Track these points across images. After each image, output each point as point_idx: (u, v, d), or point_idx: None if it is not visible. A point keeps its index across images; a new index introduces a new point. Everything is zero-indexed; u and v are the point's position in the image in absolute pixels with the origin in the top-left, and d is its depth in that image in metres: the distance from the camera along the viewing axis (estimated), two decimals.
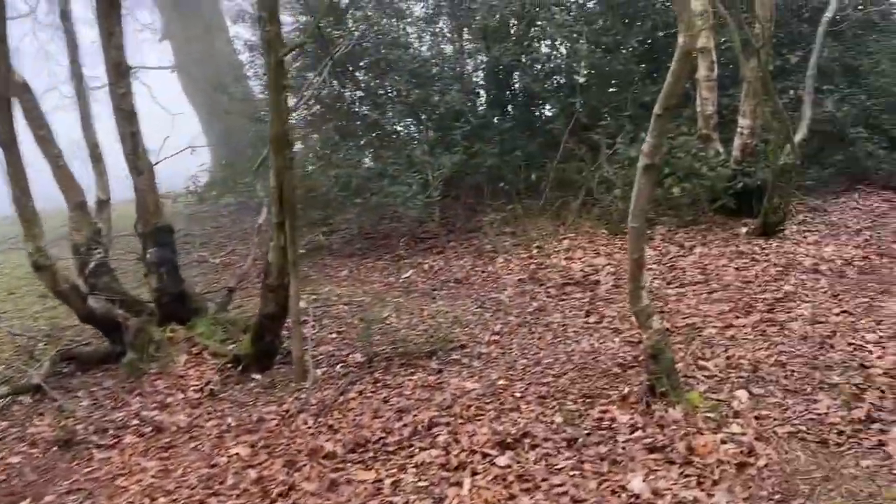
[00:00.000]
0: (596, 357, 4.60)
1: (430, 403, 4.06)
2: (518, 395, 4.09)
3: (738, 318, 5.05)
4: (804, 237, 6.85)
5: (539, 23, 8.54)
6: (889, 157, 8.73)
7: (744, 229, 7.19)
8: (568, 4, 8.58)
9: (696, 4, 7.46)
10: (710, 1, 6.90)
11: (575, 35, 8.17)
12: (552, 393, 4.03)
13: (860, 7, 10.09)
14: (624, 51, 9.41)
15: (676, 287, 5.99)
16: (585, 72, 7.84)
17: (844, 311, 4.85)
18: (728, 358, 4.25)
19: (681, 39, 3.44)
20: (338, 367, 4.95)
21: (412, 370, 4.76)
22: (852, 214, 7.57)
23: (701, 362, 4.19)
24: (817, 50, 7.24)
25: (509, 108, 10.28)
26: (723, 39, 8.29)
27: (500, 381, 4.34)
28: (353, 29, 9.58)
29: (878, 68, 8.61)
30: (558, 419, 3.63)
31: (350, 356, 5.09)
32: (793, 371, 3.94)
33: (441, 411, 3.92)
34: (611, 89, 9.34)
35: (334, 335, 5.70)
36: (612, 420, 3.55)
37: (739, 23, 6.10)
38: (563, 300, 6.10)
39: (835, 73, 9.29)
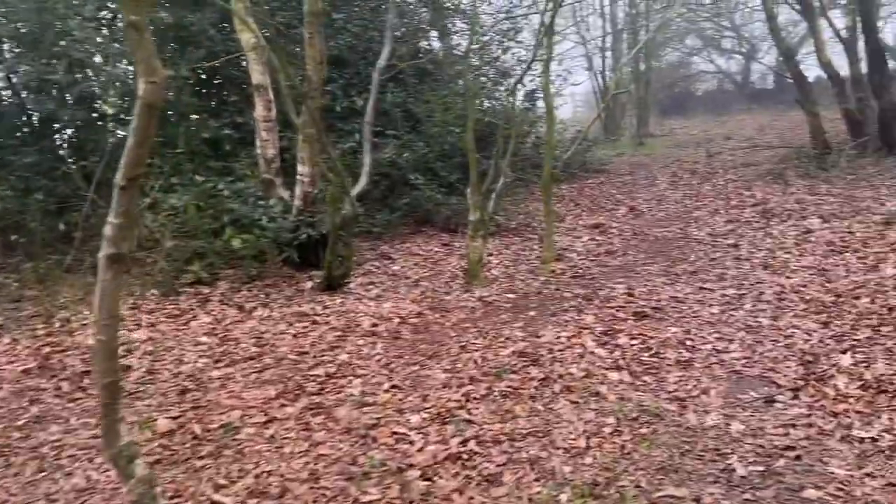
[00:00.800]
0: (87, 501, 3.38)
1: None
2: None
3: (284, 405, 4.35)
4: (368, 291, 6.61)
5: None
6: (446, 201, 9.30)
7: (309, 284, 6.69)
8: (89, 15, 7.07)
9: (247, 37, 6.79)
10: (263, 35, 6.25)
11: (106, 53, 6.74)
12: None
13: (420, 55, 10.74)
14: (184, 80, 8.31)
15: (225, 366, 5.08)
16: (115, 99, 6.49)
17: (395, 386, 4.50)
18: (257, 476, 3.45)
19: (140, 88, 2.50)
20: None
21: None
22: (414, 262, 7.70)
23: (218, 495, 3.30)
24: (373, 96, 7.16)
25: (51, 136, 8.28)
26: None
27: None
28: None
29: (432, 116, 9.10)
30: None
31: None
32: (326, 489, 3.31)
33: None
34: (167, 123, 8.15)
35: None
36: None
37: (282, 62, 5.52)
38: (77, 400, 4.69)
39: (399, 119, 9.61)
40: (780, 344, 4.77)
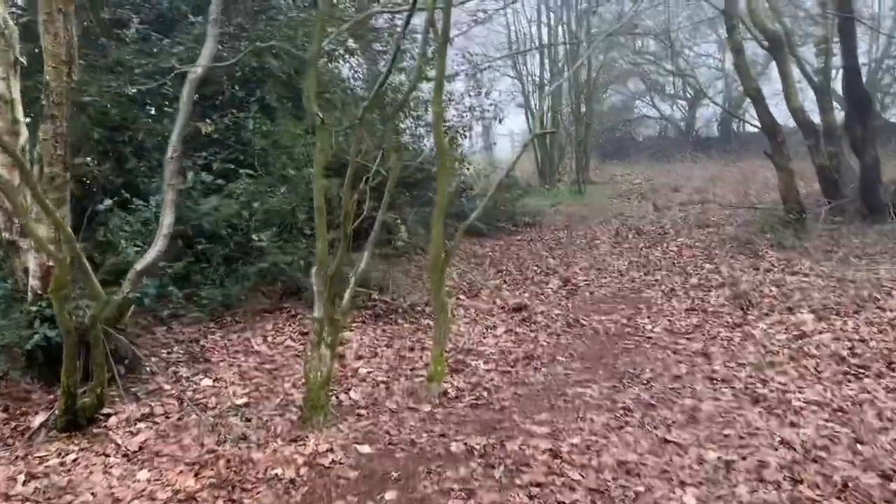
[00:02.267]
0: None
1: None
2: None
3: None
4: (132, 434, 4.04)
5: None
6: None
7: (39, 419, 4.09)
8: None
9: None
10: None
11: None
12: None
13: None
14: None
15: None
16: None
17: None
18: None
19: None
20: None
21: None
22: (241, 370, 5.16)
23: None
24: (182, 118, 4.76)
25: None
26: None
27: None
28: None
29: (291, 153, 6.66)
30: None
31: None
32: None
33: None
34: None
35: None
36: None
37: None
38: None
39: (257, 155, 7.16)
40: None
